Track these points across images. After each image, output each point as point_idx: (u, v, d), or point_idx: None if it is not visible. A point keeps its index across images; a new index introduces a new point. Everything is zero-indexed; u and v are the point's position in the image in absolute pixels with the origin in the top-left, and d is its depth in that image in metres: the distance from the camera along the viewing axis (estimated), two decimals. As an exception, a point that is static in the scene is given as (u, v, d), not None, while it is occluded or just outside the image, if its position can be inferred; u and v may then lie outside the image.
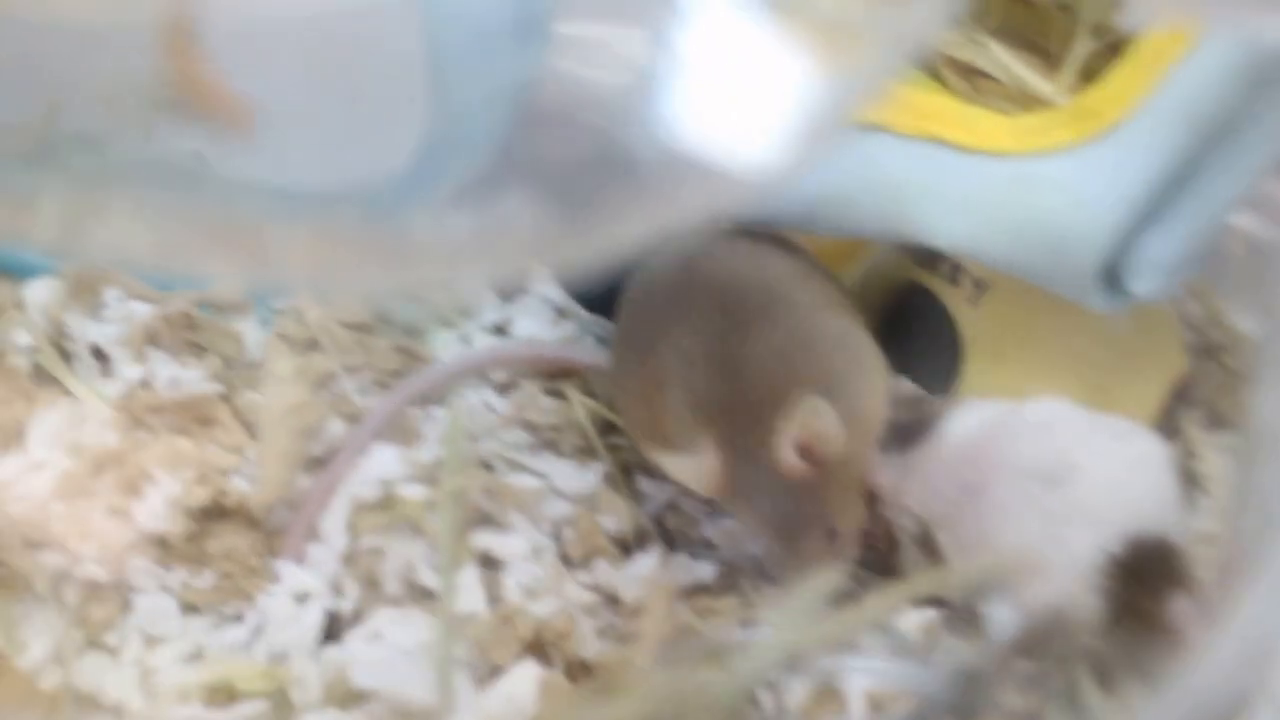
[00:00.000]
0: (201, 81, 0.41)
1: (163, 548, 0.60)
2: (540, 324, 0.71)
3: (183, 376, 0.64)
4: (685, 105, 0.36)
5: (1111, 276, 0.57)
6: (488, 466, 0.64)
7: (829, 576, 0.34)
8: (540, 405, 0.67)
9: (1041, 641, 0.47)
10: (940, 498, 0.58)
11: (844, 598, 0.50)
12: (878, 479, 0.59)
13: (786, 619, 0.33)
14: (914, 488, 0.59)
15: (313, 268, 0.40)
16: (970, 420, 0.59)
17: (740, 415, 0.56)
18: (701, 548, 0.64)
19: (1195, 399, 0.66)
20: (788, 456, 0.55)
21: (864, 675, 0.40)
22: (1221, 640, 0.30)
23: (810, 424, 0.54)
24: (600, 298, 0.71)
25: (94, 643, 0.59)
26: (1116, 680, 0.46)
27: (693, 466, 0.56)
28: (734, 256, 0.61)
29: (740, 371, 0.57)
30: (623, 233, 0.37)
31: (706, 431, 0.57)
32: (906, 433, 0.60)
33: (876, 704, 0.52)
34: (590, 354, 0.69)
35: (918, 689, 0.41)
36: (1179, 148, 0.55)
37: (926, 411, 0.61)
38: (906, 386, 0.63)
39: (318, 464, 0.63)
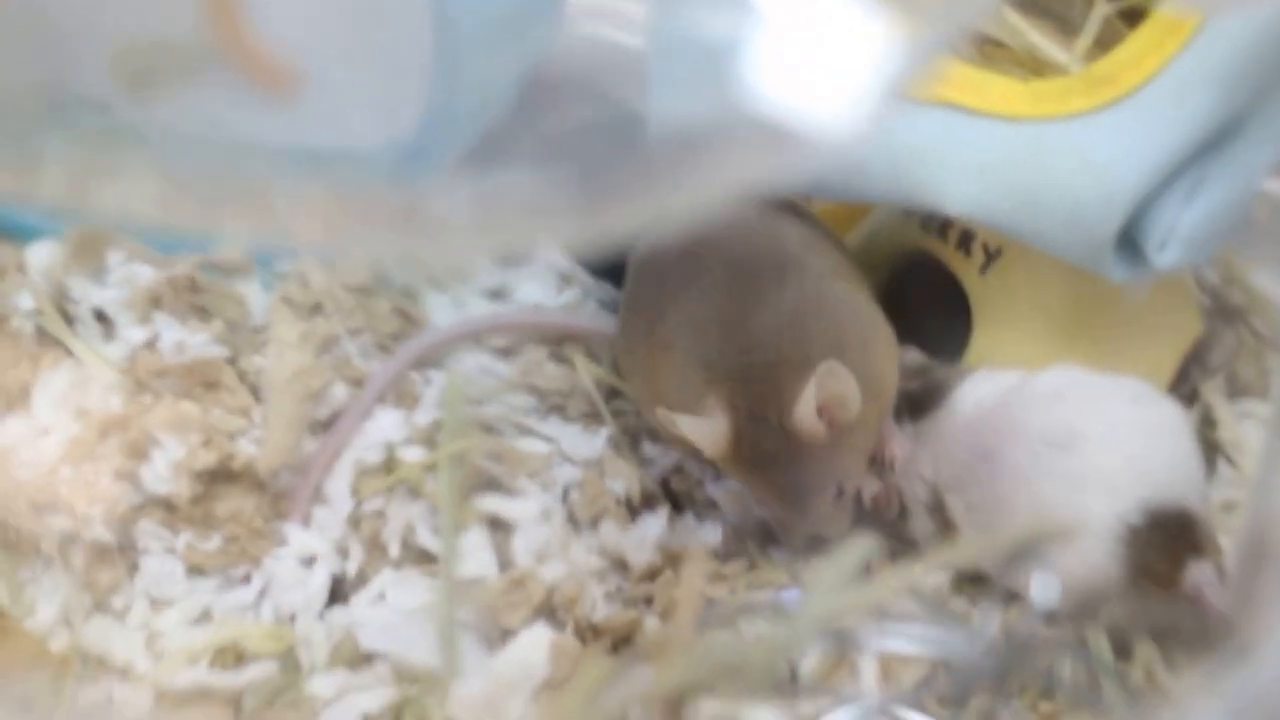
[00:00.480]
0: (246, 45, 0.40)
1: (169, 510, 0.60)
2: (544, 289, 0.71)
3: (187, 340, 0.63)
4: (759, 66, 0.36)
5: (1130, 245, 0.57)
6: (492, 430, 0.64)
7: (864, 546, 0.34)
8: (546, 371, 0.67)
9: (1078, 608, 0.47)
10: (953, 464, 0.58)
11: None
12: (892, 447, 0.59)
13: (823, 588, 0.32)
14: (926, 455, 0.59)
15: (320, 229, 0.39)
16: (982, 389, 0.59)
17: (752, 379, 0.56)
18: (707, 510, 0.64)
19: (1213, 365, 0.66)
20: (808, 419, 0.54)
21: (896, 640, 0.40)
22: None
23: (829, 387, 0.54)
24: (606, 263, 0.71)
25: (101, 606, 0.59)
26: (1133, 644, 0.46)
27: (702, 429, 0.56)
28: (745, 222, 0.60)
29: (752, 336, 0.57)
30: (654, 207, 0.37)
31: (716, 394, 0.56)
32: (917, 401, 0.60)
33: (888, 669, 0.53)
34: (594, 321, 0.69)
35: (950, 654, 0.41)
36: (1203, 113, 0.54)
37: (937, 380, 0.61)
38: (913, 356, 0.63)
39: (322, 427, 0.63)
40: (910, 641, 0.40)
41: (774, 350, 0.56)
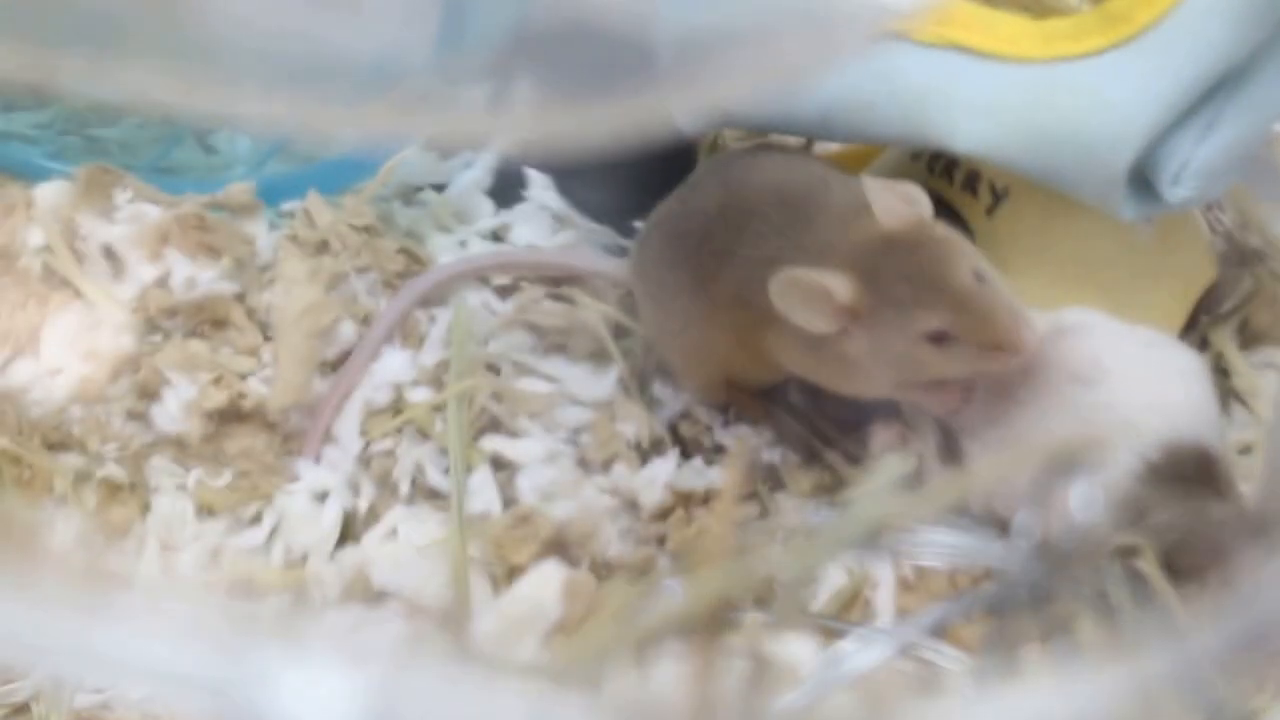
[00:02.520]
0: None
1: (180, 448, 0.60)
2: (537, 230, 0.71)
3: (197, 277, 0.63)
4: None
5: (1141, 182, 0.57)
6: (495, 370, 0.64)
7: (903, 460, 0.34)
8: (544, 308, 0.67)
9: (1123, 519, 0.46)
10: (969, 403, 0.58)
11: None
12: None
13: (868, 495, 0.33)
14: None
15: (335, 114, 0.40)
16: None
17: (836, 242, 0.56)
18: (716, 456, 0.64)
19: (1226, 311, 0.66)
20: (890, 210, 0.54)
21: (937, 552, 0.40)
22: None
23: (885, 187, 0.55)
24: (603, 206, 0.71)
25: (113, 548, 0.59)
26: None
27: (830, 278, 0.54)
28: (772, 164, 0.60)
29: (819, 234, 0.57)
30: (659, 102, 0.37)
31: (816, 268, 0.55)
32: None
33: (903, 605, 0.53)
34: (597, 260, 0.69)
35: (991, 564, 0.41)
36: (1217, 49, 0.54)
37: None
38: None
39: (330, 367, 0.63)
40: (947, 555, 0.40)
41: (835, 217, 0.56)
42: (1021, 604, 0.40)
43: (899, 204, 0.54)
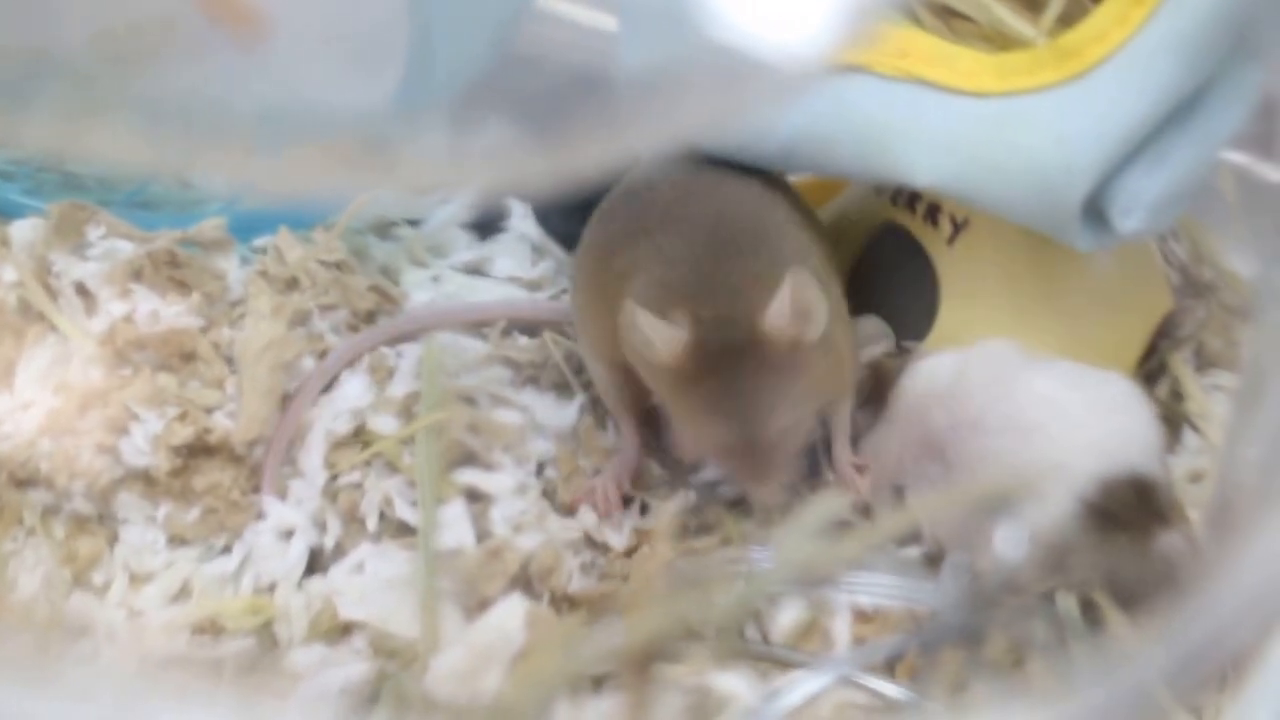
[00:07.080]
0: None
1: (148, 483, 0.60)
2: (518, 263, 0.71)
3: (164, 311, 0.64)
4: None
5: (1096, 214, 0.57)
6: (470, 402, 0.64)
7: (832, 500, 0.35)
8: (519, 344, 0.67)
9: (1051, 561, 0.47)
10: (905, 458, 0.59)
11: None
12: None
13: (791, 541, 0.33)
14: (881, 448, 0.60)
15: (300, 171, 0.40)
16: (923, 381, 0.59)
17: (719, 290, 0.55)
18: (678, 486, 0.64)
19: (1182, 338, 0.66)
20: (779, 320, 0.54)
21: (871, 592, 0.40)
22: (1239, 573, 0.30)
23: (801, 292, 0.53)
24: (573, 236, 0.71)
25: (81, 580, 0.59)
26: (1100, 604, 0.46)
27: (663, 331, 0.54)
28: (728, 184, 0.61)
29: (725, 276, 0.56)
30: (619, 144, 0.38)
31: (680, 309, 0.55)
32: (871, 393, 0.61)
33: (859, 634, 0.53)
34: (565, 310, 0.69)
35: (923, 605, 0.41)
36: (1167, 84, 0.55)
37: (886, 371, 0.61)
38: (874, 324, 0.63)
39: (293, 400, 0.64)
40: (880, 595, 0.41)
41: (746, 280, 0.56)
42: (952, 642, 0.40)
43: (788, 324, 0.54)
